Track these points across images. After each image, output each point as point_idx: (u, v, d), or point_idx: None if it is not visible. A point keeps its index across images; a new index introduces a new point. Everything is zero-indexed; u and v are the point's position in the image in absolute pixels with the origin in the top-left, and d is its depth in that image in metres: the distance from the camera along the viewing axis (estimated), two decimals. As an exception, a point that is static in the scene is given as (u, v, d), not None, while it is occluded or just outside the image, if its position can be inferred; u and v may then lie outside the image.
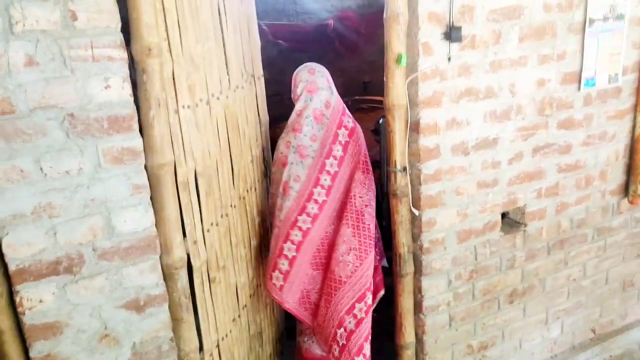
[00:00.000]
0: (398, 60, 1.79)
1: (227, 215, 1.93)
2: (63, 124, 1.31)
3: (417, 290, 2.13)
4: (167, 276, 1.58)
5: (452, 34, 1.81)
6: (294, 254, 2.06)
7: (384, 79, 1.87)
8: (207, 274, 1.79)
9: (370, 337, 2.08)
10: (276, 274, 2.08)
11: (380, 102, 5.89)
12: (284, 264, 2.07)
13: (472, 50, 1.91)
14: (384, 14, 1.80)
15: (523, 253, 2.31)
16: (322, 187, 2.06)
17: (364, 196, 2.08)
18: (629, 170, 2.46)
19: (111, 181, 1.41)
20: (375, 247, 2.14)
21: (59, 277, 1.40)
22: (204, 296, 1.77)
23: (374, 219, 2.11)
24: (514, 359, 2.49)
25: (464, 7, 1.84)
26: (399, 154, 1.93)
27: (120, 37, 1.33)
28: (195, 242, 1.70)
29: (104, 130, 1.37)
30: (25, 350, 1.43)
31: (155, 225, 1.51)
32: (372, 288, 2.05)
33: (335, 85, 2.19)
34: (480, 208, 2.13)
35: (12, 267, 1.35)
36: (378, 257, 2.23)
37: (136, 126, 1.41)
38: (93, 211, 1.41)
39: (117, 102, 1.37)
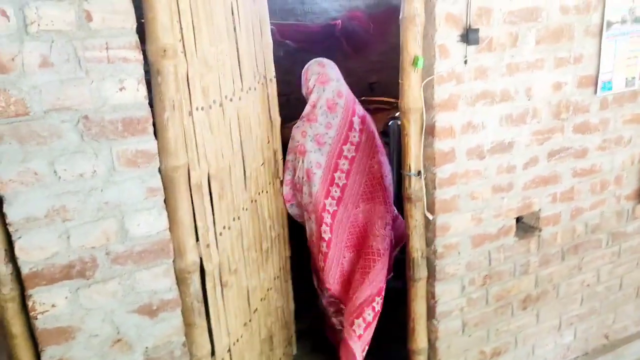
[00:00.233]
0: (414, 62, 1.77)
1: (239, 218, 1.91)
2: (77, 126, 1.29)
3: (431, 296, 2.10)
4: (180, 280, 1.56)
5: (469, 36, 1.78)
6: (329, 235, 2.22)
7: (399, 81, 1.84)
8: (219, 278, 1.76)
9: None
10: (320, 255, 2.26)
11: (387, 103, 5.89)
12: (323, 246, 2.24)
13: (489, 53, 1.88)
14: (400, 15, 1.78)
15: (537, 258, 2.28)
16: (342, 171, 2.23)
17: (389, 175, 2.36)
18: (645, 175, 2.43)
19: (125, 184, 1.39)
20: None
21: (71, 282, 1.39)
22: (216, 300, 1.75)
23: (392, 193, 2.39)
24: (527, 365, 2.46)
25: (481, 9, 1.81)
26: (414, 158, 1.90)
27: (135, 38, 1.31)
28: (208, 246, 1.68)
29: (118, 132, 1.34)
30: (37, 355, 1.41)
31: (169, 228, 1.49)
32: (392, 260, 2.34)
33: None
34: (494, 213, 2.10)
35: (24, 271, 1.33)
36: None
37: (151, 129, 1.39)
38: (107, 214, 1.39)
39: (131, 104, 1.35)
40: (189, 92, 1.54)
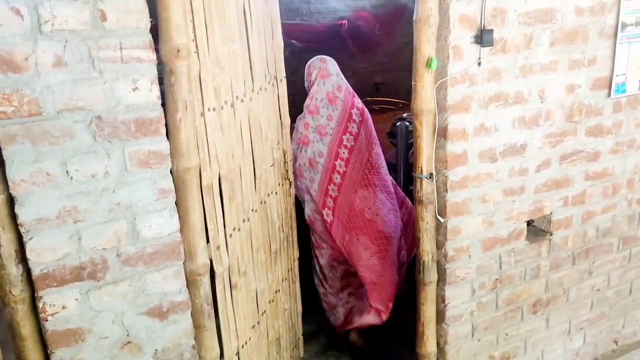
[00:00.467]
0: (428, 63, 1.75)
1: (248, 219, 1.89)
2: (90, 127, 1.28)
3: (440, 299, 2.08)
4: (190, 282, 1.54)
5: (483, 37, 1.77)
6: (331, 218, 2.39)
7: (412, 82, 1.82)
8: (228, 280, 1.75)
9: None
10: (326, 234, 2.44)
11: (393, 103, 5.84)
12: (327, 224, 2.41)
13: (503, 55, 1.86)
14: (414, 16, 1.76)
15: (548, 262, 2.26)
16: (342, 159, 2.42)
17: (384, 166, 2.54)
18: (657, 178, 2.41)
19: (137, 185, 1.37)
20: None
21: (82, 283, 1.37)
22: (225, 303, 1.74)
23: (392, 180, 2.61)
24: (536, 370, 2.44)
25: (496, 9, 1.79)
26: (426, 160, 1.88)
27: (149, 37, 1.30)
28: (218, 248, 1.66)
29: (131, 133, 1.33)
30: (47, 357, 1.40)
31: (180, 230, 1.48)
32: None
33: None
34: (506, 216, 2.08)
35: (35, 272, 1.31)
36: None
37: (163, 129, 1.38)
38: (118, 216, 1.37)
39: (144, 104, 1.33)
40: (201, 93, 1.53)
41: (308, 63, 2.50)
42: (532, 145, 2.04)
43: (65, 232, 1.32)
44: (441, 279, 2.06)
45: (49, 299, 1.34)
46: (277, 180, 2.19)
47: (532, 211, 2.15)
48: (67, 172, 1.28)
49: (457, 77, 1.80)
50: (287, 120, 2.25)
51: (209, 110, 1.57)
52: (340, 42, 5.62)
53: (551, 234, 2.22)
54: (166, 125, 1.40)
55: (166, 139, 1.39)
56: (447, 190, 1.93)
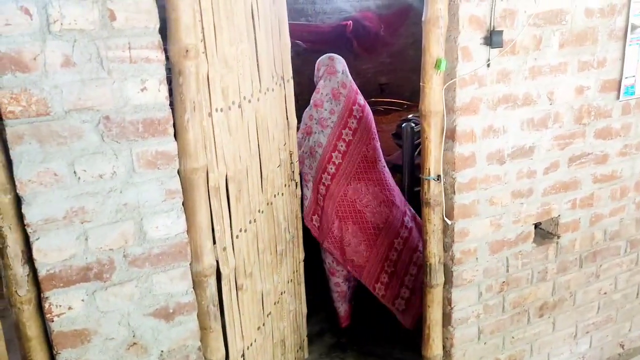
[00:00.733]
0: (437, 65, 1.73)
1: (254, 220, 1.88)
2: (98, 127, 1.27)
3: (447, 302, 2.07)
4: (197, 284, 1.54)
5: (492, 38, 1.75)
6: (322, 203, 2.58)
7: (421, 84, 1.81)
8: (234, 281, 1.74)
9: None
10: (315, 216, 2.61)
11: (398, 104, 5.82)
12: (317, 210, 2.58)
13: (512, 56, 1.84)
14: (423, 17, 1.74)
15: (555, 265, 2.24)
16: (339, 151, 2.56)
17: (382, 160, 2.66)
18: (665, 181, 2.38)
19: (144, 186, 1.37)
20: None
21: (88, 284, 1.37)
22: (231, 304, 1.73)
23: (390, 175, 2.71)
24: (542, 373, 2.42)
25: (506, 11, 1.78)
26: (434, 162, 1.87)
27: (158, 37, 1.29)
28: (224, 249, 1.66)
29: (139, 133, 1.32)
30: (52, 358, 1.39)
31: (186, 231, 1.47)
32: (404, 225, 2.65)
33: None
34: (513, 218, 2.07)
35: (42, 273, 1.31)
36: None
37: (171, 130, 1.37)
38: (125, 216, 1.36)
39: (152, 104, 1.32)
40: (209, 93, 1.52)
41: (318, 60, 2.68)
42: (540, 148, 2.03)
43: (72, 232, 1.31)
44: (448, 282, 2.04)
45: (55, 299, 1.34)
46: (284, 181, 2.18)
47: (540, 214, 2.13)
48: (74, 172, 1.27)
49: (466, 79, 1.79)
50: (293, 121, 2.24)
51: (216, 110, 1.56)
52: (345, 42, 5.61)
53: (559, 237, 2.21)
54: (174, 125, 1.39)
55: (174, 139, 1.39)
56: (454, 192, 1.92)
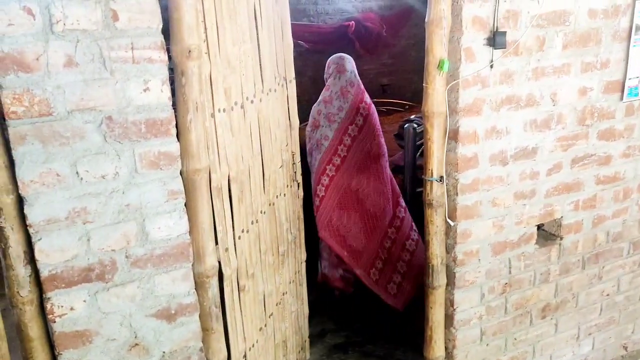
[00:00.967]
0: (440, 66, 1.73)
1: (257, 221, 1.88)
2: (101, 127, 1.27)
3: (449, 303, 2.06)
4: (199, 285, 1.53)
5: (496, 39, 1.75)
6: (323, 193, 2.72)
7: (423, 84, 1.81)
8: (236, 282, 1.74)
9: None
10: (313, 207, 2.73)
11: (399, 104, 5.81)
12: (315, 201, 2.73)
13: (515, 57, 1.84)
14: (426, 18, 1.74)
15: (557, 267, 2.24)
16: (344, 145, 2.73)
17: (385, 155, 2.82)
18: (669, 183, 2.38)
19: (147, 186, 1.36)
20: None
21: (90, 285, 1.36)
22: (233, 305, 1.72)
23: (389, 169, 2.86)
24: (544, 375, 2.42)
25: (509, 12, 1.77)
26: (436, 163, 1.86)
27: (161, 38, 1.29)
28: (226, 250, 1.65)
29: (141, 134, 1.32)
30: (54, 358, 1.39)
31: (189, 232, 1.47)
32: (397, 216, 2.83)
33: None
34: (516, 220, 2.06)
35: (44, 273, 1.31)
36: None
37: (174, 130, 1.36)
38: (127, 217, 1.36)
39: (155, 105, 1.32)
40: (212, 94, 1.52)
41: (329, 59, 2.86)
42: (543, 149, 2.02)
43: (75, 233, 1.31)
44: (450, 283, 2.04)
45: (57, 300, 1.33)
46: (286, 181, 2.18)
47: (543, 215, 2.12)
48: (77, 173, 1.27)
49: (469, 80, 1.79)
50: (296, 121, 2.23)
51: (219, 111, 1.56)
52: (347, 43, 5.61)
53: (561, 238, 2.20)
54: (176, 126, 1.39)
55: (176, 140, 1.38)
56: (457, 193, 1.91)
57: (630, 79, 2.09)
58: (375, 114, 2.83)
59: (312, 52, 5.39)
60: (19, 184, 1.22)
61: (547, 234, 2.24)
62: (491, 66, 1.80)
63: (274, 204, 2.04)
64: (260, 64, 1.84)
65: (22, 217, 1.26)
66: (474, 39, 1.75)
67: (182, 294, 1.50)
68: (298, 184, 2.31)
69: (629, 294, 2.51)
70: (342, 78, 2.75)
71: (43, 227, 1.27)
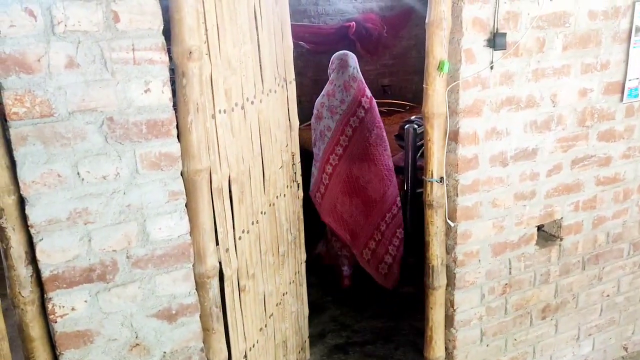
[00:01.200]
0: (440, 67, 1.73)
1: (257, 222, 1.89)
2: (102, 128, 1.28)
3: (449, 304, 2.07)
4: (199, 285, 1.54)
5: (496, 40, 1.75)
6: (327, 181, 2.96)
7: (424, 86, 1.81)
8: (237, 282, 1.74)
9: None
10: (318, 194, 2.99)
11: (400, 105, 5.81)
12: (321, 188, 2.97)
13: (515, 58, 1.84)
14: (426, 19, 1.74)
15: (557, 267, 2.24)
16: (346, 135, 2.94)
17: (383, 143, 3.00)
18: (669, 184, 2.38)
19: (148, 187, 1.37)
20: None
21: (91, 285, 1.37)
22: (233, 305, 1.73)
23: (390, 157, 3.05)
24: (544, 376, 2.42)
25: (509, 13, 1.78)
26: (437, 164, 1.87)
27: (162, 39, 1.29)
28: (227, 250, 1.66)
29: (142, 135, 1.32)
30: (55, 358, 1.40)
31: (189, 232, 1.47)
32: (396, 203, 3.05)
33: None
34: (516, 221, 2.06)
35: (45, 274, 1.31)
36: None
37: (175, 131, 1.37)
38: (128, 218, 1.37)
39: (156, 106, 1.33)
40: (212, 95, 1.52)
41: (334, 55, 3.03)
42: (543, 150, 2.02)
43: (76, 233, 1.31)
44: (450, 284, 2.04)
45: (59, 300, 1.34)
46: (286, 182, 2.18)
47: (543, 216, 2.13)
48: (78, 173, 1.28)
49: (469, 81, 1.79)
50: (296, 122, 2.24)
51: (219, 112, 1.57)
52: (348, 44, 5.61)
53: (561, 239, 2.20)
54: (177, 127, 1.39)
55: (177, 140, 1.39)
56: (457, 194, 1.91)
57: (630, 80, 2.09)
58: (376, 108, 2.98)
59: (312, 53, 5.40)
60: (21, 184, 1.23)
61: (547, 234, 2.24)
62: (491, 67, 1.80)
63: (274, 204, 2.04)
64: (260, 65, 1.84)
65: (24, 217, 1.26)
66: (474, 40, 1.76)
67: (183, 294, 1.50)
68: (298, 184, 2.32)
69: (629, 294, 2.51)
70: (345, 73, 2.91)
71: (44, 228, 1.27)
